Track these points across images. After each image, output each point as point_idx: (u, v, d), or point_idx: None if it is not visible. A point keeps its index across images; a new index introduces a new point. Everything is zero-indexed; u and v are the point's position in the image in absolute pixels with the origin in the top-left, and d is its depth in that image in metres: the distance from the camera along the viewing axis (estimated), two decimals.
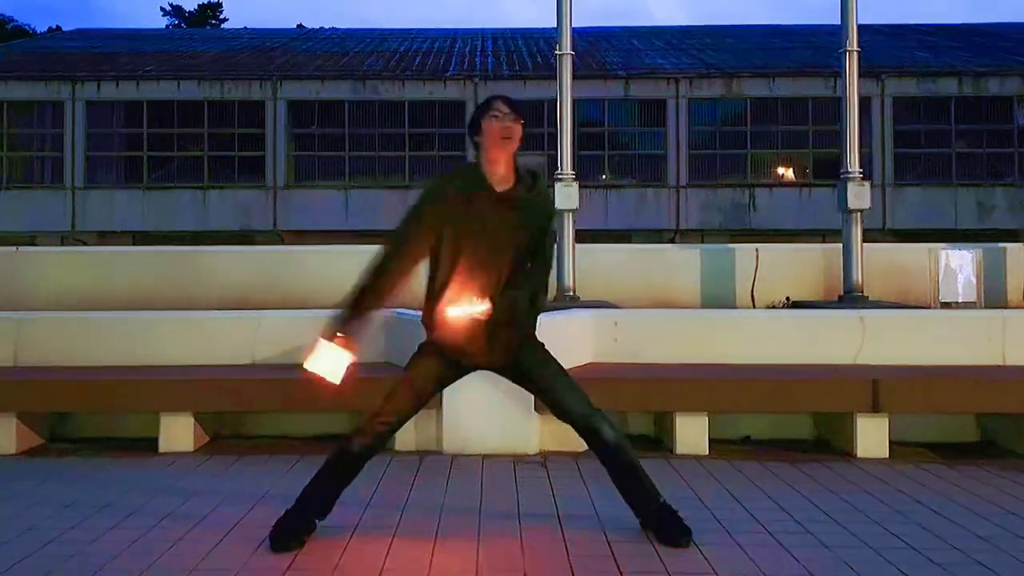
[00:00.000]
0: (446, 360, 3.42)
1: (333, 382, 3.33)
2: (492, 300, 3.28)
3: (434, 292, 3.34)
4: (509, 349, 3.39)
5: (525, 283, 3.38)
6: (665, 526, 3.43)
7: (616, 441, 3.45)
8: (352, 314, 3.33)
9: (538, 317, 3.51)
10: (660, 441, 5.37)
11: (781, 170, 22.95)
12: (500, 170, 3.33)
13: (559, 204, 8.46)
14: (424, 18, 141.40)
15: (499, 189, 3.32)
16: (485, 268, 3.28)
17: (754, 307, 8.68)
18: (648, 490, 3.49)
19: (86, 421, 5.54)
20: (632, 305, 7.65)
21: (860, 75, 8.94)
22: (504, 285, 3.31)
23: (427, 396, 3.52)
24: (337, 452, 3.48)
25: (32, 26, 53.32)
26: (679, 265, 9.04)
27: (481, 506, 3.97)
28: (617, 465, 3.49)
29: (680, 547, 3.35)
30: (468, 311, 3.27)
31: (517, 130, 3.33)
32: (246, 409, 5.42)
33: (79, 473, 4.61)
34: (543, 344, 3.51)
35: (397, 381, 3.47)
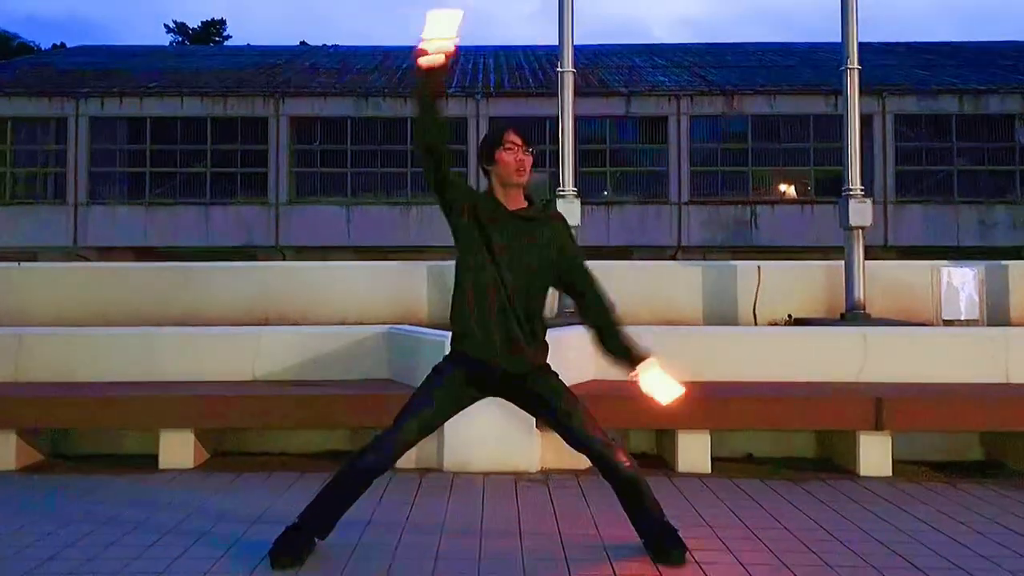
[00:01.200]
0: (466, 380, 3.41)
1: (448, 48, 3.24)
2: (511, 316, 3.31)
3: (458, 306, 3.37)
4: (526, 361, 3.36)
5: (539, 308, 3.42)
6: (661, 542, 3.42)
7: (631, 474, 3.42)
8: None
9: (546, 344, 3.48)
10: (662, 458, 5.35)
11: (783, 187, 23.00)
12: (513, 203, 3.39)
13: None
14: None
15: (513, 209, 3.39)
16: (506, 284, 3.30)
17: (756, 324, 8.66)
18: (654, 514, 3.48)
19: (87, 437, 5.52)
20: (633, 322, 7.61)
21: (861, 93, 8.96)
22: (526, 302, 3.34)
23: (442, 418, 3.49)
24: (343, 471, 3.44)
25: (37, 43, 53.71)
26: (681, 282, 9.02)
27: (482, 524, 3.95)
28: (629, 496, 3.46)
29: (673, 563, 3.34)
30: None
31: (530, 163, 3.38)
32: (246, 426, 5.41)
33: (79, 490, 4.59)
34: (556, 373, 3.49)
35: (411, 400, 3.44)
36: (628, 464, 3.42)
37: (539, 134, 21.49)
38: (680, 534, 3.46)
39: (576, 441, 3.45)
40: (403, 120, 22.39)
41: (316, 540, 3.43)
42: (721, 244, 21.68)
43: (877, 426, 4.95)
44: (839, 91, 9.35)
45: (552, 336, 5.51)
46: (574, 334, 5.75)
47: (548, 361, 3.50)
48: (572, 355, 5.45)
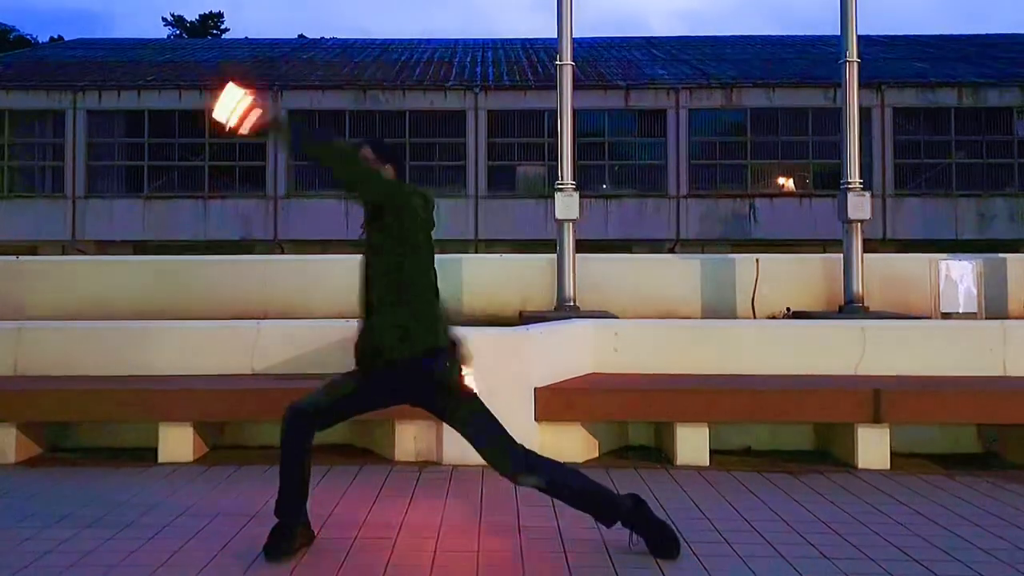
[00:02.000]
0: (370, 379, 3.42)
1: (225, 121, 3.29)
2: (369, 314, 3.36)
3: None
4: (388, 361, 3.32)
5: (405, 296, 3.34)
6: (654, 537, 3.41)
7: (542, 486, 3.41)
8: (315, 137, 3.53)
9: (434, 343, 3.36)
10: (660, 451, 5.35)
11: (781, 180, 22.97)
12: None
13: (559, 214, 8.45)
14: (425, 29, 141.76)
15: None
16: (365, 288, 3.38)
17: (755, 317, 8.67)
18: (612, 505, 3.43)
19: (86, 431, 5.52)
20: (632, 315, 7.65)
21: (860, 86, 8.96)
22: (380, 300, 3.34)
23: (343, 402, 3.49)
24: (281, 457, 3.48)
25: (34, 36, 53.53)
26: (679, 275, 9.03)
27: (481, 517, 3.96)
28: (559, 498, 3.48)
29: (670, 557, 3.35)
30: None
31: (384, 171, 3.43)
32: (245, 419, 5.41)
33: (78, 483, 4.59)
34: (470, 391, 3.43)
35: (325, 382, 3.53)
36: (535, 480, 3.38)
37: (538, 127, 21.51)
38: (677, 528, 3.48)
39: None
40: (402, 113, 22.37)
41: (312, 532, 3.48)
42: (720, 238, 21.66)
43: (875, 419, 4.96)
44: (838, 84, 9.35)
45: (551, 329, 5.53)
46: (573, 328, 5.77)
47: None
48: (571, 348, 5.46)
